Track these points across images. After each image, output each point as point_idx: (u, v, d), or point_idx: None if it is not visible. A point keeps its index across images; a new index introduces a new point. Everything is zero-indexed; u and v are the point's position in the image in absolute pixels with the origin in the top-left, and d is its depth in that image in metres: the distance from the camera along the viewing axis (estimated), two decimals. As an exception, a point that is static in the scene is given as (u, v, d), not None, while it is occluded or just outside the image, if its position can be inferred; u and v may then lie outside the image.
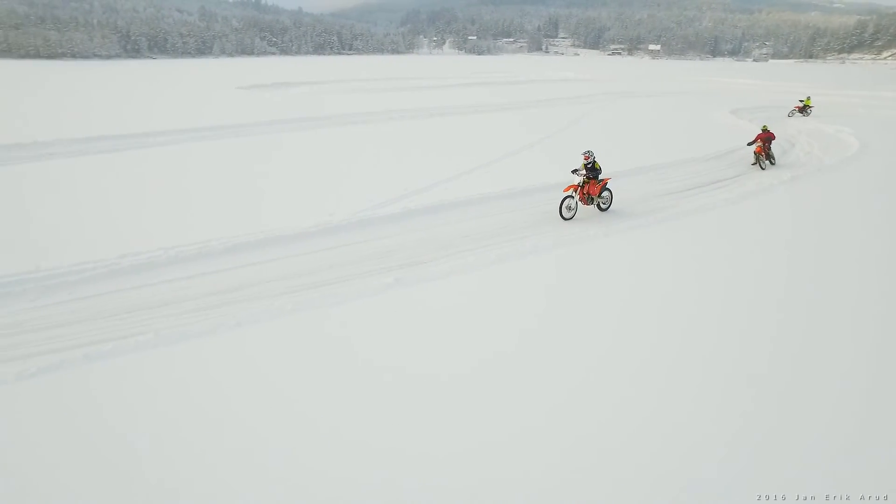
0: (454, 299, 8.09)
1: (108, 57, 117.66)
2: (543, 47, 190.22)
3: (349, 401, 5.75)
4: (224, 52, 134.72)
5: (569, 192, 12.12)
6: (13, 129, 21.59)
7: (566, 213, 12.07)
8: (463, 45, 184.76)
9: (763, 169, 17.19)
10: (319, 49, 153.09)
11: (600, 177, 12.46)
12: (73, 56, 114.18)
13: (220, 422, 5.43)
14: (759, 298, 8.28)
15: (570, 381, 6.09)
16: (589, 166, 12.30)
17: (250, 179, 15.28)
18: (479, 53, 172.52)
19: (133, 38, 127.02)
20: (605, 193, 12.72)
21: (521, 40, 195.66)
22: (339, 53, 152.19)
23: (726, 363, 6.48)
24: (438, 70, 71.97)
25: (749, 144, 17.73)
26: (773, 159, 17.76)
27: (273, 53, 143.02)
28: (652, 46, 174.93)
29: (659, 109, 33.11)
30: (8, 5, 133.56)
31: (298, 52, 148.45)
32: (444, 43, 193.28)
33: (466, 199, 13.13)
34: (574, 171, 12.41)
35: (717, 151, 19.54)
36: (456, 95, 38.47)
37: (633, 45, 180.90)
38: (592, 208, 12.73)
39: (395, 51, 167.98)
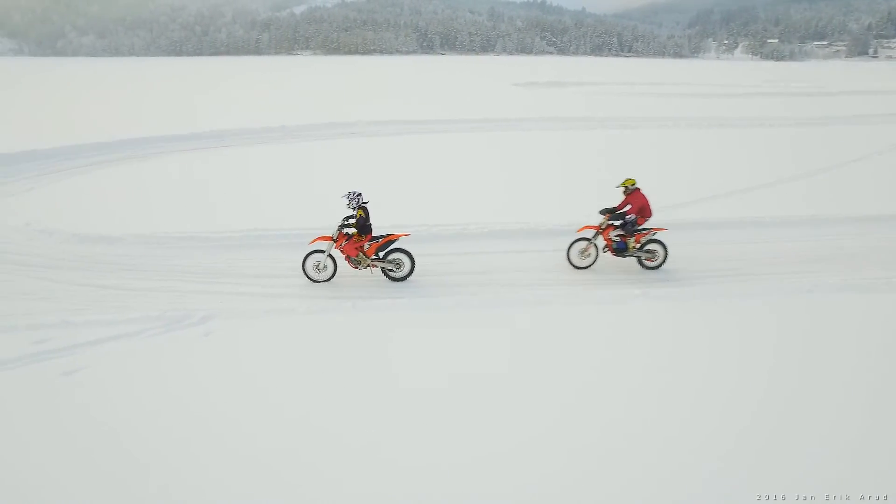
0: (686, 321, 7.34)
1: (407, 52, 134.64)
2: (871, 51, 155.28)
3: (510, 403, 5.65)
4: (505, 50, 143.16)
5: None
6: (343, 111, 26.15)
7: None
8: (759, 50, 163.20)
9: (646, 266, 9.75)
10: (597, 50, 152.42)
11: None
12: (381, 52, 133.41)
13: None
14: None
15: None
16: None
17: (507, 171, 15.99)
18: (779, 59, 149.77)
19: (429, 36, 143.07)
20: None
21: (839, 43, 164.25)
22: (617, 55, 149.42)
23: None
24: (725, 76, 65.35)
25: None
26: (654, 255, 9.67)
27: (550, 53, 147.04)
28: None
29: None
30: (342, 12, 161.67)
31: (576, 52, 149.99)
32: (735, 47, 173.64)
33: (738, 220, 11.74)
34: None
35: None
36: (738, 105, 34.48)
37: None
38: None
39: (678, 54, 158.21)
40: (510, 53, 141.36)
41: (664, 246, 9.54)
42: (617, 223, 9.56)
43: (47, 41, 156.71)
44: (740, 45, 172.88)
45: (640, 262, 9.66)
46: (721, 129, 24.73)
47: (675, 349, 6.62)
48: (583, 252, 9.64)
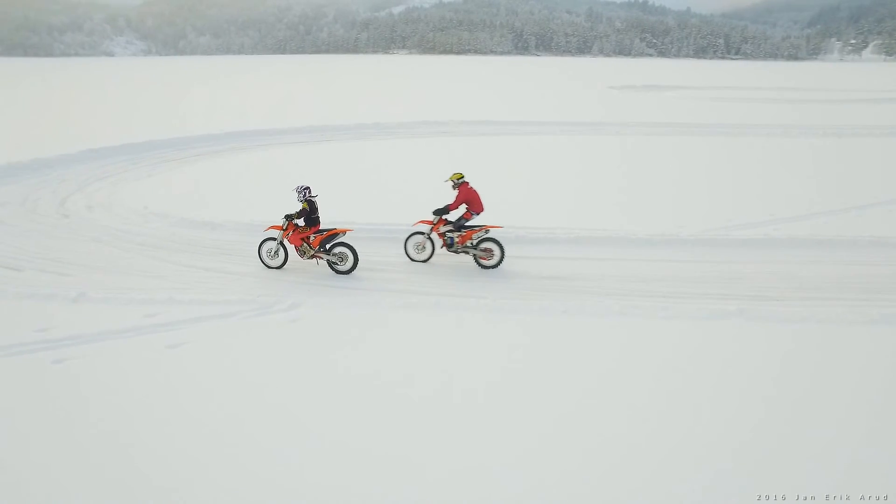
0: (791, 344, 6.74)
1: (501, 53, 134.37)
2: None
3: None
4: (602, 52, 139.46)
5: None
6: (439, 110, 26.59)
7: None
8: (894, 50, 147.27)
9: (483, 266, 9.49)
10: (700, 52, 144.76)
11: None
12: (476, 52, 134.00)
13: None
14: None
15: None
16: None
17: (596, 176, 15.54)
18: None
19: (524, 36, 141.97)
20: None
21: None
22: (723, 58, 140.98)
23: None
24: (849, 80, 59.95)
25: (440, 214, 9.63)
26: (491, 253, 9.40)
27: (649, 55, 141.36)
28: None
29: None
30: (439, 12, 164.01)
31: (677, 54, 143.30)
32: (864, 47, 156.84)
33: (850, 240, 10.69)
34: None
35: None
36: (861, 112, 31.47)
37: None
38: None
39: (793, 56, 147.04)
40: (607, 55, 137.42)
41: (500, 245, 9.32)
42: (453, 219, 9.57)
43: (171, 41, 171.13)
44: (871, 44, 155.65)
45: (476, 260, 9.47)
46: (839, 139, 22.69)
47: (742, 372, 6.14)
48: (418, 246, 9.72)
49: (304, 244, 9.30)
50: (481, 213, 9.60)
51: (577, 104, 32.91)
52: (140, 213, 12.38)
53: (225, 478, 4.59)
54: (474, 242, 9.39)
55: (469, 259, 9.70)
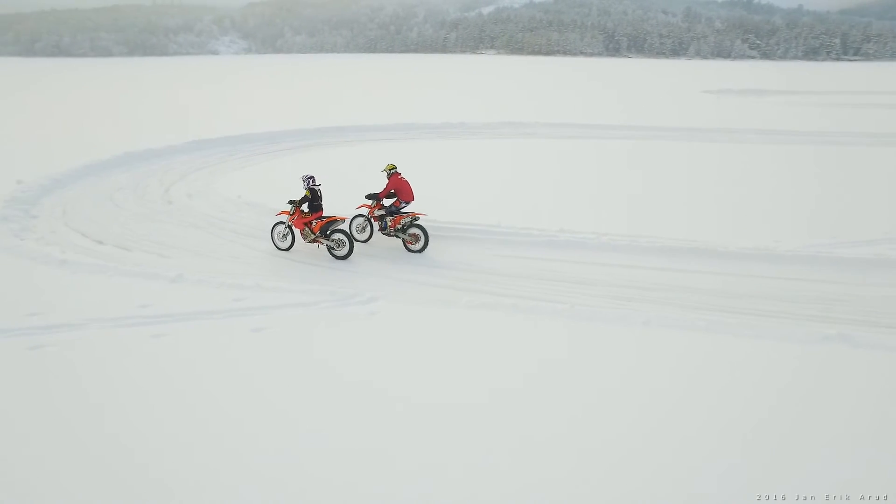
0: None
1: (591, 54, 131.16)
2: None
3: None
4: (699, 54, 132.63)
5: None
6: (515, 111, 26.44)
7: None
8: None
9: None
10: (811, 53, 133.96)
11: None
12: (564, 53, 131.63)
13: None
14: None
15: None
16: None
17: (680, 184, 14.81)
18: None
19: (616, 37, 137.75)
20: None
21: None
22: (838, 59, 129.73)
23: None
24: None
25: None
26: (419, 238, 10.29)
27: (752, 57, 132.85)
28: None
29: None
30: (529, 12, 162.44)
31: (784, 56, 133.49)
32: None
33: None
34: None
35: None
36: None
37: None
38: None
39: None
40: (704, 57, 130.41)
41: (425, 231, 10.18)
42: (386, 205, 10.55)
43: (269, 40, 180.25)
44: None
45: (404, 244, 10.32)
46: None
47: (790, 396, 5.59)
48: (359, 227, 10.79)
49: (307, 228, 10.02)
50: (411, 202, 10.55)
51: (667, 108, 31.54)
52: (234, 202, 13.13)
53: (295, 457, 4.77)
54: (402, 227, 10.22)
55: (549, 266, 9.56)
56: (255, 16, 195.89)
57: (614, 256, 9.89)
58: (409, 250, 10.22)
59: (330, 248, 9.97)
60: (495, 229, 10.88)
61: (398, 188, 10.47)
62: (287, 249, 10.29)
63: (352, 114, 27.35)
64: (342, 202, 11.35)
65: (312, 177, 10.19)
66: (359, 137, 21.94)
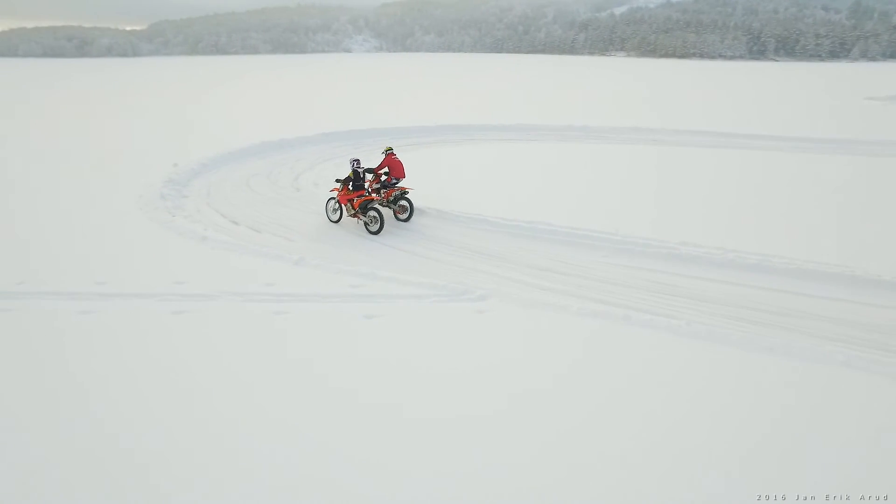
0: None
1: (731, 58, 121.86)
2: None
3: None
4: (864, 56, 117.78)
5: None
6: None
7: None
8: None
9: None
10: None
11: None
12: (701, 56, 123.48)
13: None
14: None
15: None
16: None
17: (826, 202, 13.25)
18: None
19: (762, 39, 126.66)
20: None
21: None
22: None
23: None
24: None
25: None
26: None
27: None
28: None
29: None
30: (665, 12, 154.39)
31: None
32: None
33: None
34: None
35: None
36: None
37: None
38: None
39: None
40: (871, 59, 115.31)
41: (411, 204, 11.80)
42: (382, 180, 12.03)
43: (400, 39, 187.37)
44: None
45: (394, 214, 11.84)
46: None
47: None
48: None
49: (349, 204, 11.35)
50: (402, 179, 12.04)
51: (820, 117, 28.49)
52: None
53: (400, 444, 4.90)
54: (393, 199, 11.70)
55: (667, 279, 9.02)
56: (387, 16, 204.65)
57: (741, 275, 9.09)
58: (398, 219, 11.81)
59: (366, 224, 11.25)
60: (612, 237, 10.46)
61: (391, 166, 11.95)
62: (336, 221, 11.76)
63: (475, 112, 27.62)
64: (476, 201, 11.45)
65: (358, 160, 11.56)
66: (481, 136, 22.11)
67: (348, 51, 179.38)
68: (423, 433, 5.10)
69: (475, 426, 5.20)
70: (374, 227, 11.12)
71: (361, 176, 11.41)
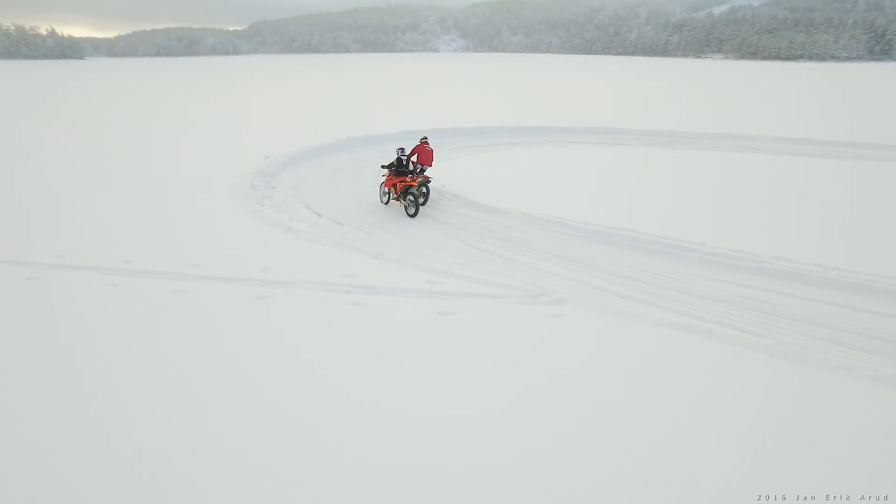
0: None
1: (847, 59, 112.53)
2: None
3: None
4: None
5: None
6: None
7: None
8: None
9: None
10: None
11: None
12: (809, 58, 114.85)
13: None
14: None
15: None
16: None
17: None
18: None
19: (886, 37, 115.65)
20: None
21: None
22: None
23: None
24: None
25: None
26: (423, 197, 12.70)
27: None
28: None
29: None
30: (770, 11, 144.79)
31: None
32: None
33: None
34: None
35: None
36: None
37: None
38: None
39: None
40: None
41: (429, 191, 12.75)
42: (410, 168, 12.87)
43: (487, 39, 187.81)
44: None
45: (414, 197, 12.14)
46: None
47: None
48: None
49: (392, 189, 12.42)
50: (428, 168, 13.03)
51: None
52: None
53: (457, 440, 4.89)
54: (419, 185, 12.32)
55: (756, 294, 8.44)
56: (475, 16, 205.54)
57: (840, 295, 8.33)
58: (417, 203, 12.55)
59: (405, 206, 12.20)
60: (699, 247, 9.91)
61: (420, 153, 12.92)
62: (386, 203, 12.87)
63: (559, 114, 27.17)
64: (560, 203, 11.27)
65: (402, 148, 12.86)
66: (565, 139, 21.70)
67: (435, 50, 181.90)
68: (494, 435, 5.06)
69: (547, 432, 5.09)
70: (411, 210, 12.05)
71: (405, 163, 12.56)
